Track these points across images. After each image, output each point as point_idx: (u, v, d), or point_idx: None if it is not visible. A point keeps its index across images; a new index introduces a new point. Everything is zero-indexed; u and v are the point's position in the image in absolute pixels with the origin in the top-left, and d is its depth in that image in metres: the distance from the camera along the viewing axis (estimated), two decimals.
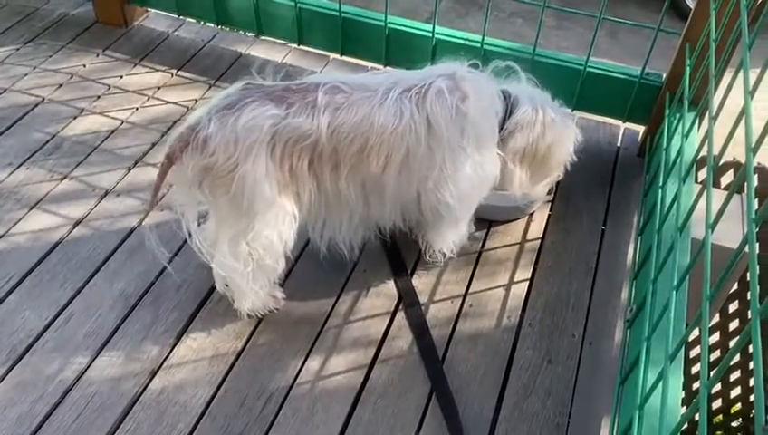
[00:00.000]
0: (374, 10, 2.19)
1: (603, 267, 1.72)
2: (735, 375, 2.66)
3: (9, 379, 1.44)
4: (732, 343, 2.58)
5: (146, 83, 2.25)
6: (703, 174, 2.20)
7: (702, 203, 1.12)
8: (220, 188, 1.31)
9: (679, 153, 1.49)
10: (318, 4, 2.20)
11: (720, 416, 2.85)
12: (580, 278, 1.69)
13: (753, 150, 0.92)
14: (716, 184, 2.26)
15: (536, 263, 1.73)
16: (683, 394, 1.80)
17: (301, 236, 1.45)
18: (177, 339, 1.52)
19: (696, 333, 2.34)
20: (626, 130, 2.12)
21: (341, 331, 1.55)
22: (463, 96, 1.39)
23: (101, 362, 1.47)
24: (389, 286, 1.65)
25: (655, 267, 1.36)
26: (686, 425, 0.90)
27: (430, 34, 2.05)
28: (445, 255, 1.63)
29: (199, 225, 1.49)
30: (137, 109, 2.15)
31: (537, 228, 1.82)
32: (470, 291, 1.65)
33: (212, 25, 2.49)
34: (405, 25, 2.11)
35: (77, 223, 1.77)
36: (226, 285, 1.51)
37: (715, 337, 2.60)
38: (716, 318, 2.52)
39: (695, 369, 2.71)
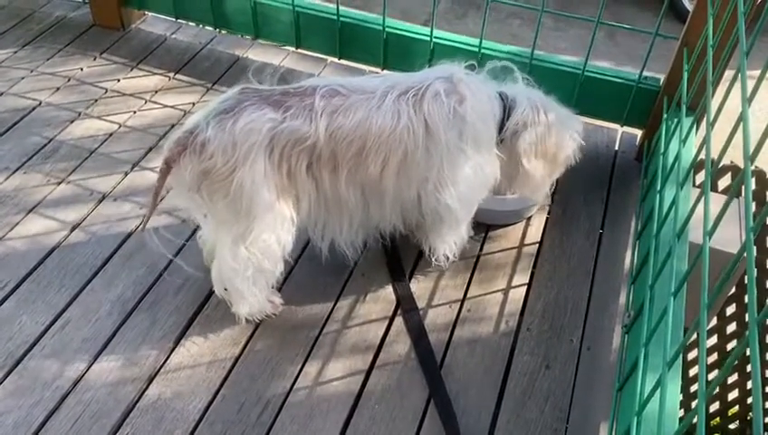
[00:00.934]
0: (372, 12, 2.19)
1: (601, 272, 1.72)
2: (733, 378, 2.67)
3: (6, 385, 1.43)
4: (729, 346, 2.59)
5: (143, 87, 2.25)
6: (700, 177, 2.21)
7: (700, 206, 1.12)
8: (218, 192, 1.31)
9: (677, 158, 1.49)
10: (316, 8, 2.20)
11: (717, 418, 2.86)
12: (578, 283, 1.69)
13: (750, 158, 0.92)
14: (714, 187, 2.26)
15: (534, 267, 1.73)
16: (680, 396, 1.80)
17: (299, 239, 1.45)
18: (175, 344, 1.52)
19: (693, 335, 2.34)
20: (623, 133, 2.12)
21: (339, 336, 1.55)
22: (460, 98, 1.39)
23: (99, 368, 1.47)
24: (387, 291, 1.65)
25: (653, 273, 1.36)
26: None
27: (428, 38, 2.05)
28: (448, 258, 1.63)
29: (198, 228, 1.49)
30: (134, 112, 2.14)
31: (535, 233, 1.81)
32: (468, 296, 1.65)
33: (210, 28, 2.49)
34: (403, 29, 2.11)
35: (74, 227, 1.77)
36: (225, 289, 1.50)
37: (713, 340, 2.60)
38: (714, 321, 2.53)
39: (692, 371, 2.71)
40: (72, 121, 2.10)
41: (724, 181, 2.32)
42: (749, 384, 2.60)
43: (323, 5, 2.24)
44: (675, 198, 1.36)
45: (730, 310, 2.47)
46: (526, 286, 1.68)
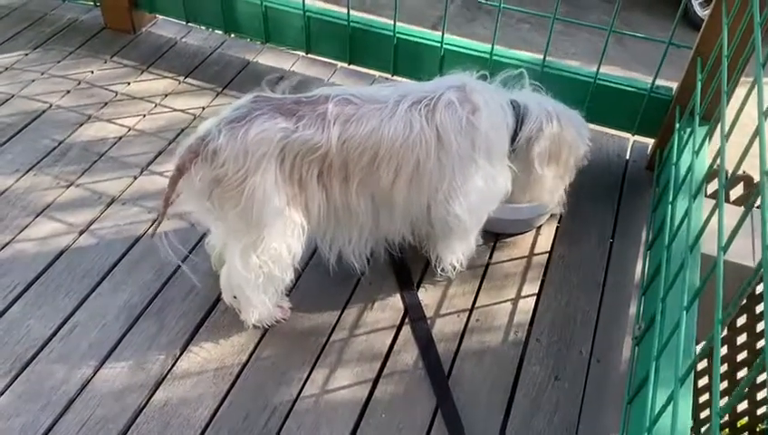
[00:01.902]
0: (380, 15, 2.18)
1: (611, 282, 1.70)
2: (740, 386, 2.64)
3: (14, 388, 1.43)
4: (739, 357, 2.56)
5: (153, 90, 2.25)
6: (712, 186, 2.19)
7: (712, 216, 1.11)
8: (229, 200, 1.31)
9: (690, 169, 1.48)
10: (326, 13, 2.20)
11: (726, 430, 2.83)
12: (588, 293, 1.68)
13: (767, 173, 0.91)
14: (725, 196, 2.24)
15: (544, 277, 1.72)
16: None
17: (307, 247, 1.44)
18: (182, 350, 1.52)
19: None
20: (635, 142, 2.10)
21: (346, 344, 1.54)
22: (473, 108, 1.39)
23: (106, 373, 1.47)
24: (395, 299, 1.64)
25: (664, 285, 1.35)
26: None
27: (439, 44, 2.04)
28: (455, 268, 1.62)
29: (206, 234, 1.49)
30: (144, 116, 2.14)
31: (545, 242, 1.80)
32: (477, 305, 1.64)
33: (220, 32, 2.49)
34: (413, 35, 2.10)
35: (83, 231, 1.77)
36: (234, 297, 1.50)
37: (723, 350, 2.58)
38: (724, 332, 2.50)
39: (701, 382, 2.68)
40: (81, 124, 2.10)
41: (736, 191, 2.30)
42: (759, 395, 2.58)
43: (334, 11, 2.23)
44: (687, 210, 1.35)
45: (741, 320, 2.45)
46: (535, 296, 1.67)
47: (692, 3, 4.86)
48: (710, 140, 1.60)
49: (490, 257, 1.75)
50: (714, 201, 1.13)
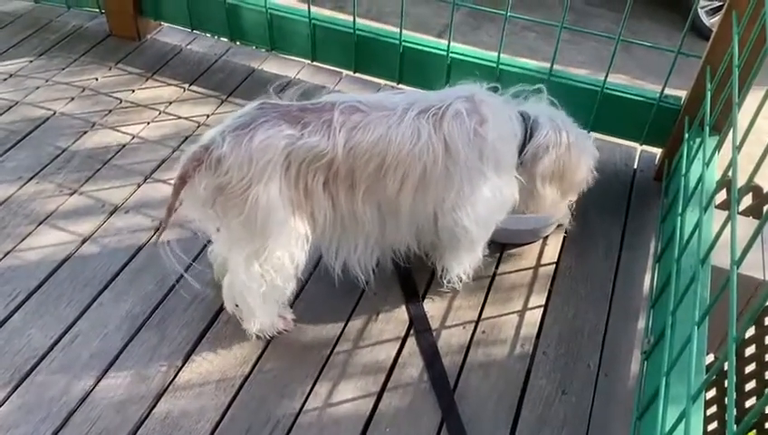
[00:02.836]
0: (386, 23, 2.17)
1: (619, 294, 1.68)
2: (751, 401, 2.60)
3: (13, 399, 1.42)
4: (748, 369, 2.53)
5: (158, 98, 2.24)
6: (720, 196, 2.16)
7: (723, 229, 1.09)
8: (233, 209, 1.29)
9: (700, 180, 1.46)
10: (332, 21, 2.19)
11: None
12: (596, 305, 1.65)
13: None
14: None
15: (551, 288, 1.69)
16: None
17: (310, 257, 1.43)
18: (184, 361, 1.50)
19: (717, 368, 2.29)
20: (642, 151, 2.08)
21: (350, 356, 1.52)
22: (481, 119, 1.37)
23: (106, 384, 1.45)
24: (400, 311, 1.62)
25: (674, 298, 1.33)
26: None
27: (445, 53, 2.03)
28: (461, 279, 1.60)
29: (209, 243, 1.47)
30: (148, 123, 2.14)
31: (552, 252, 1.78)
32: (483, 317, 1.62)
33: (225, 40, 2.48)
34: (419, 43, 2.09)
35: (85, 240, 1.75)
36: (236, 306, 1.48)
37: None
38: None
39: (709, 394, 2.65)
40: (85, 132, 2.09)
41: (745, 201, 2.27)
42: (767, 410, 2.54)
43: (340, 19, 2.22)
44: (698, 222, 1.32)
45: (749, 332, 2.42)
46: (542, 308, 1.64)
47: (698, 11, 4.84)
48: (720, 150, 1.58)
49: (496, 268, 1.73)
50: (724, 212, 1.11)
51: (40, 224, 1.79)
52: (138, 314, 1.58)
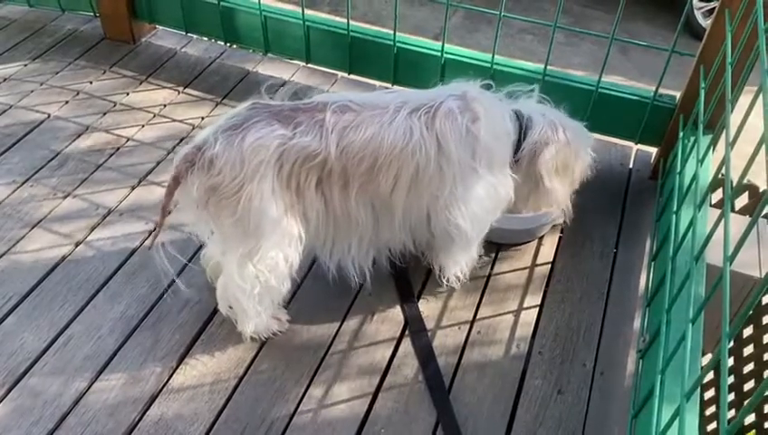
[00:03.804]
0: (384, 27, 2.17)
1: (615, 293, 1.67)
2: (748, 401, 2.59)
3: (6, 402, 1.41)
4: (746, 369, 2.52)
5: (152, 101, 2.24)
6: (715, 196, 2.16)
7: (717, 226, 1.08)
8: (226, 209, 1.29)
9: (694, 178, 1.45)
10: (326, 23, 2.19)
11: None
12: (592, 305, 1.65)
13: None
14: (731, 206, 2.21)
15: (546, 288, 1.69)
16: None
17: (305, 258, 1.42)
18: (178, 364, 1.49)
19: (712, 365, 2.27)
20: (638, 151, 2.08)
21: (345, 357, 1.51)
22: (473, 117, 1.37)
23: (100, 387, 1.44)
24: (395, 311, 1.61)
25: (669, 297, 1.32)
26: None
27: (439, 54, 2.02)
28: (458, 279, 1.59)
29: (203, 246, 1.46)
30: (142, 126, 2.13)
31: (547, 252, 1.77)
32: (478, 317, 1.61)
33: (220, 43, 2.48)
34: (414, 44, 2.09)
35: (79, 242, 1.75)
36: (230, 308, 1.48)
37: (729, 361, 2.53)
38: (730, 343, 2.46)
39: (707, 395, 2.64)
40: (80, 135, 2.09)
41: (741, 200, 2.27)
42: (766, 408, 2.53)
43: (334, 20, 2.22)
44: (692, 220, 1.32)
45: (747, 331, 2.41)
46: (538, 308, 1.64)
47: (694, 13, 4.84)
48: (714, 148, 1.58)
49: (492, 268, 1.73)
50: (718, 211, 1.10)
51: (34, 227, 1.78)
52: (132, 316, 1.58)
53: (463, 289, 1.66)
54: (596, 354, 1.54)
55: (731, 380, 2.58)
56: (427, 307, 1.62)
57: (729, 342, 0.92)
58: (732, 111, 1.27)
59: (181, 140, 2.07)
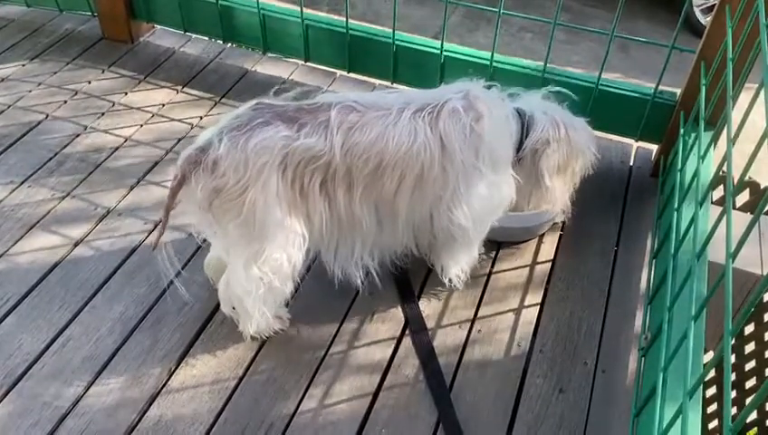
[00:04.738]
0: (383, 25, 2.16)
1: (616, 291, 1.67)
2: (750, 398, 2.59)
3: (4, 404, 1.40)
4: (748, 366, 2.51)
5: (151, 100, 2.23)
6: (717, 193, 2.15)
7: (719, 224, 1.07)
8: (230, 212, 1.28)
9: (695, 175, 1.45)
10: (325, 21, 2.18)
11: None
12: (593, 303, 1.64)
13: None
14: (732, 203, 2.20)
15: (547, 286, 1.68)
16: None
17: (307, 256, 1.41)
18: (177, 364, 1.48)
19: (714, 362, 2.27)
20: (638, 148, 2.07)
21: (346, 357, 1.51)
22: (477, 116, 1.36)
23: (98, 389, 1.43)
24: (396, 311, 1.60)
25: (671, 294, 1.31)
26: None
27: (438, 51, 2.01)
28: (459, 278, 1.59)
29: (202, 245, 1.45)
30: (141, 126, 2.12)
31: (548, 250, 1.77)
32: (479, 316, 1.60)
33: (218, 42, 2.47)
34: (413, 42, 2.08)
35: (77, 243, 1.74)
36: (233, 308, 1.47)
37: (731, 358, 2.53)
38: (732, 340, 2.45)
39: (709, 392, 2.63)
40: (78, 135, 2.08)
41: (742, 197, 2.26)
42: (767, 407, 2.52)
43: (333, 18, 2.22)
44: (693, 217, 1.31)
45: (749, 329, 2.40)
46: (539, 306, 1.63)
47: (694, 10, 4.84)
48: (715, 145, 1.57)
49: (492, 267, 1.72)
50: (719, 208, 1.09)
51: (32, 228, 1.78)
52: (131, 316, 1.57)
53: (463, 288, 1.65)
54: (597, 353, 1.53)
55: (732, 377, 2.57)
56: (428, 306, 1.62)
57: (731, 339, 0.91)
58: (733, 108, 1.26)
59: (180, 140, 2.06)
